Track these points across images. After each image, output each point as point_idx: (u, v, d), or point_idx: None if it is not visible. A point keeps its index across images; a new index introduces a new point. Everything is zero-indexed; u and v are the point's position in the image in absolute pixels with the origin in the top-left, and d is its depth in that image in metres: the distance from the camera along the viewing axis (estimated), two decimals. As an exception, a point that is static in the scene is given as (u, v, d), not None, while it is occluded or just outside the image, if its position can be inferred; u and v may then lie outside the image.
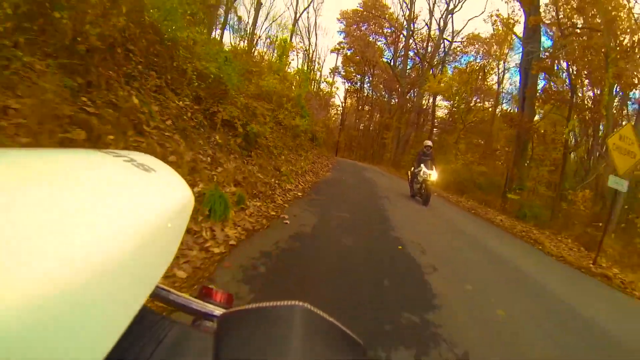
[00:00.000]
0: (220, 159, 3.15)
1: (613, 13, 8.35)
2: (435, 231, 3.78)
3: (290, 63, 9.17)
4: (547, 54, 10.09)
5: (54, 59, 1.99)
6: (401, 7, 23.88)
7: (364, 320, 1.46)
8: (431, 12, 18.81)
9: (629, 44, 8.74)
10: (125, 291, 0.23)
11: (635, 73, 8.02)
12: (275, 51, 10.43)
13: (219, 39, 10.63)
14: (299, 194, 4.14)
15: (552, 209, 8.94)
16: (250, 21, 15.86)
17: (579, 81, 9.37)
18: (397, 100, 24.70)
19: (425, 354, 1.31)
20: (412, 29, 21.88)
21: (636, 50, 8.43)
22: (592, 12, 9.53)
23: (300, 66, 17.12)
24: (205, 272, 1.56)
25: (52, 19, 1.98)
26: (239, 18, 15.53)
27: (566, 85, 10.36)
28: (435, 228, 3.98)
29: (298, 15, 23.21)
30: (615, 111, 9.57)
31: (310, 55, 25.89)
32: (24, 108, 1.63)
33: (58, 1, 1.99)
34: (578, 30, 9.84)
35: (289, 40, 10.85)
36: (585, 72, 9.17)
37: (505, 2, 11.78)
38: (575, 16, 10.15)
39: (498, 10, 26.66)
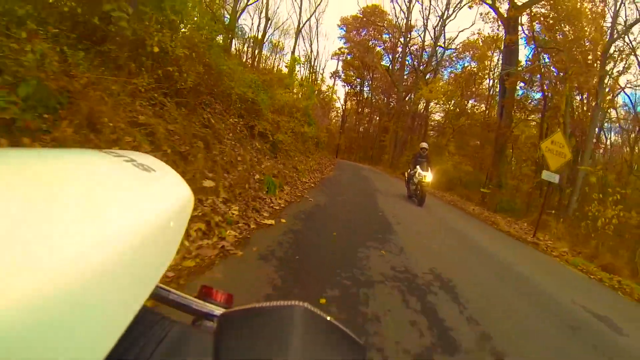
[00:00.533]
0: (260, 159, 4.63)
1: (572, 36, 9.87)
2: (411, 213, 5.24)
3: (297, 76, 10.68)
4: (521, 67, 11.60)
5: (170, 98, 3.47)
6: (397, 18, 25.15)
7: (356, 235, 2.91)
8: (425, 25, 20.28)
9: (589, 60, 10.27)
10: (125, 291, 0.23)
11: (591, 85, 9.51)
12: (285, 65, 11.86)
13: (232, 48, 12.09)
14: (312, 185, 5.62)
15: (527, 202, 10.42)
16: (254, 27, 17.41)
17: (548, 92, 10.88)
18: (395, 103, 26.20)
19: (383, 244, 2.77)
20: (408, 37, 23.39)
21: (595, 65, 9.96)
22: (559, 32, 11.09)
23: (303, 74, 18.67)
24: (275, 215, 3.02)
25: (168, 72, 3.43)
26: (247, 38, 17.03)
27: (540, 95, 11.89)
28: (411, 211, 5.44)
29: (301, 25, 24.79)
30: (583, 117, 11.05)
31: (312, 63, 27.30)
32: (177, 129, 3.10)
33: (170, 61, 3.42)
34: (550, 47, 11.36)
35: (293, 50, 12.35)
36: (553, 84, 10.68)
37: (485, 22, 13.25)
38: (546, 35, 11.70)
39: (480, 29, 28.31)
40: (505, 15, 12.60)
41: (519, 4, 12.16)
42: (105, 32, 2.83)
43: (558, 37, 10.53)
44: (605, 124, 14.92)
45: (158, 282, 0.29)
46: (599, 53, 9.91)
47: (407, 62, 24.26)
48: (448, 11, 19.85)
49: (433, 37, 20.66)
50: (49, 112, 1.99)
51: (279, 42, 25.80)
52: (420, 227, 4.05)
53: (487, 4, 13.37)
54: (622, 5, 10.04)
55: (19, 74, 1.90)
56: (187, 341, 0.30)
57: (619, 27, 9.21)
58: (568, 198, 8.41)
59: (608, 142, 15.63)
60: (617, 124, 14.70)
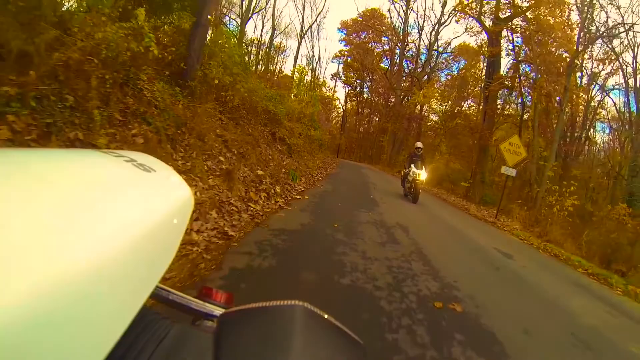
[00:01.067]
0: (282, 158, 6.21)
1: (544, 50, 11.44)
2: (395, 197, 6.81)
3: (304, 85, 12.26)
4: (501, 77, 13.18)
5: (224, 115, 5.04)
6: (394, 23, 26.69)
7: (353, 205, 4.48)
8: (420, 33, 21.83)
9: (558, 70, 11.84)
10: (125, 291, 0.23)
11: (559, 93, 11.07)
12: (291, 72, 13.44)
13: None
14: (320, 178, 7.20)
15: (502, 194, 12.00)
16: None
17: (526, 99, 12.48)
18: (393, 105, 27.74)
19: (370, 210, 4.34)
20: (405, 43, 24.92)
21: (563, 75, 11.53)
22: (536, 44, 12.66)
23: (307, 80, 20.25)
24: (300, 194, 4.59)
25: (221, 96, 4.98)
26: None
27: (519, 102, 13.50)
28: (395, 196, 7.00)
29: (304, 32, 26.43)
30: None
31: (315, 67, 28.86)
32: (235, 137, 4.68)
33: (222, 88, 4.99)
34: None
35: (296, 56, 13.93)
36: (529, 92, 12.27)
37: (470, 35, 14.80)
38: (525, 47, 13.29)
39: (466, 41, 30.08)
40: (489, 27, 14.18)
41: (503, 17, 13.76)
42: (183, 70, 4.38)
43: (536, 48, 12.10)
44: (599, 124, 16.56)
45: (158, 282, 0.29)
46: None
47: (404, 66, 25.88)
48: (443, 18, 21.51)
49: (428, 43, 22.29)
50: (179, 128, 3.56)
51: (280, 44, 27.53)
52: (399, 207, 5.63)
53: (473, 17, 14.95)
54: (588, 21, 11.65)
55: (160, 106, 3.46)
56: (187, 341, 0.30)
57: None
58: (503, 187, 9.95)
59: (602, 141, 17.24)
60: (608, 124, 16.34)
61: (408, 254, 2.84)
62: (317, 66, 31.18)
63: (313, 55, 31.03)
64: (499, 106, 14.53)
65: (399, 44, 26.07)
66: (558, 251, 5.37)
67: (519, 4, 13.58)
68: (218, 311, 0.40)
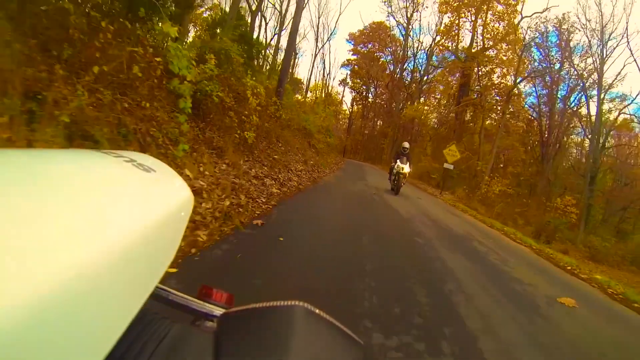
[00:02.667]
0: (315, 157, 11.32)
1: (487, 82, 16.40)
2: (380, 181, 11.85)
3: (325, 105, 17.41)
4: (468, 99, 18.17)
5: (289, 132, 10.17)
6: (392, 44, 31.64)
7: (355, 180, 9.55)
8: (415, 55, 26.82)
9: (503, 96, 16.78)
10: (125, 291, 0.23)
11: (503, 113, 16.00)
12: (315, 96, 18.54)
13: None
14: (335, 169, 12.33)
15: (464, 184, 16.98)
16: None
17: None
18: (392, 113, 32.59)
19: (364, 181, 9.42)
20: (405, 61, 29.80)
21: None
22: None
23: (321, 94, 25.37)
24: (328, 175, 9.68)
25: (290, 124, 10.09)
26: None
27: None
28: (381, 181, 12.01)
29: (317, 50, 31.56)
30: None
31: (326, 81, 33.98)
32: (302, 146, 9.83)
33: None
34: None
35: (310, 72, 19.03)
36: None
37: (445, 68, 19.94)
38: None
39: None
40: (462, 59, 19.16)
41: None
42: (274, 113, 9.41)
43: (483, 81, 17.05)
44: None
45: (158, 282, 0.29)
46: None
47: (404, 77, 30.75)
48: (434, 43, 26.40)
49: (426, 58, 27.17)
50: (277, 139, 8.65)
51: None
52: (379, 183, 10.69)
53: (450, 51, 19.94)
54: (525, 57, 16.59)
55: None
56: (187, 341, 0.30)
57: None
58: (443, 176, 14.89)
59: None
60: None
61: (371, 187, 7.91)
62: (328, 77, 36.17)
63: (324, 67, 36.13)
64: (469, 118, 19.51)
65: (400, 53, 30.73)
66: (462, 207, 10.35)
67: (486, 44, 18.60)
68: (218, 311, 0.41)
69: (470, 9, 18.40)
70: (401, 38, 30.60)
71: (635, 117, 17.59)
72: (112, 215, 0.24)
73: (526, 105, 18.26)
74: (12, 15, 2.24)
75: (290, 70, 27.01)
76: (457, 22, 19.30)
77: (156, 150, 2.78)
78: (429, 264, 3.07)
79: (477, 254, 4.12)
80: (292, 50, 9.49)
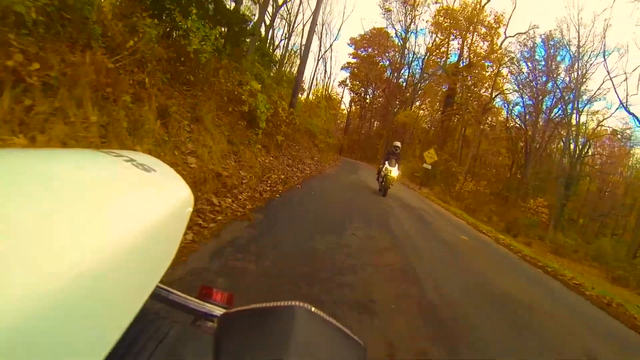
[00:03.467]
0: (319, 154, 14.11)
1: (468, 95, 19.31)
2: (370, 177, 14.66)
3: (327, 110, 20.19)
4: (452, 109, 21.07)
5: (298, 134, 12.97)
6: (391, 49, 34.33)
7: (350, 173, 12.37)
8: (409, 64, 29.64)
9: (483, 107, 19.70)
10: (126, 291, 0.23)
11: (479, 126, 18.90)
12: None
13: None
14: (334, 165, 15.16)
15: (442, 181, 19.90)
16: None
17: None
18: (387, 116, 35.38)
19: (357, 175, 12.25)
20: (402, 66, 32.56)
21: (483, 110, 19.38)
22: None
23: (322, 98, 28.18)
24: (329, 168, 12.48)
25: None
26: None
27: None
28: (370, 177, 14.81)
29: (321, 54, 34.21)
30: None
31: (327, 85, 36.64)
32: (307, 145, 12.63)
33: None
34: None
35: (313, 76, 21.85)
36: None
37: (434, 81, 22.86)
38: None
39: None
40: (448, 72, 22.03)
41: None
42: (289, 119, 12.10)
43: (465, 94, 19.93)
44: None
45: (158, 282, 0.29)
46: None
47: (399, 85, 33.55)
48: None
49: (421, 67, 29.98)
50: (290, 140, 11.41)
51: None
52: (368, 177, 13.49)
53: (443, 69, 22.76)
54: (508, 72, 19.48)
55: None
56: (187, 341, 0.31)
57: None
58: (425, 175, 17.80)
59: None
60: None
61: (361, 180, 10.72)
62: (329, 80, 38.78)
63: (326, 71, 38.81)
64: (455, 124, 22.41)
65: (397, 65, 33.51)
66: (433, 198, 13.21)
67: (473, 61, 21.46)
68: (218, 311, 0.41)
69: (458, 30, 21.25)
70: (400, 44, 33.22)
71: (616, 130, 20.34)
72: (113, 215, 0.24)
73: (515, 114, 21.08)
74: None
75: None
76: (445, 40, 22.16)
77: (246, 147, 5.52)
78: (386, 212, 5.88)
79: (421, 216, 6.95)
80: (303, 69, 12.13)
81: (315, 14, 11.91)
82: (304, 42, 13.34)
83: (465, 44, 21.37)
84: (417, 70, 29.67)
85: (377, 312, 2.04)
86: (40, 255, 0.17)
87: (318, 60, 34.06)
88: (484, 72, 20.45)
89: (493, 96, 19.09)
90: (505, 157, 21.79)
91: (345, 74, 40.93)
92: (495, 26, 20.74)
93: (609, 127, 20.59)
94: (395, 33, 31.74)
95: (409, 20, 30.04)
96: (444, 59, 22.36)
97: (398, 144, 8.75)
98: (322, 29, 41.69)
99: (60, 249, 0.18)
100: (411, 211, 7.29)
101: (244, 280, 1.92)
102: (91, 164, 0.30)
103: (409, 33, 30.66)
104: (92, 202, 0.23)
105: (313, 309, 0.28)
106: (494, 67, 20.43)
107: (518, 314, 2.97)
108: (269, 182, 4.85)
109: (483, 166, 22.10)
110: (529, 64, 20.56)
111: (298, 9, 21.96)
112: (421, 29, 28.44)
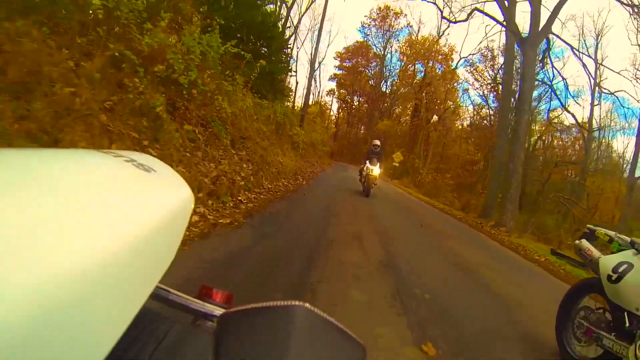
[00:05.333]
0: (320, 160, 20.37)
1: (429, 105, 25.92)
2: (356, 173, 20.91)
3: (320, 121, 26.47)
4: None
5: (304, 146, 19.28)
6: (374, 59, 40.82)
7: (341, 171, 18.65)
8: (386, 81, 36.25)
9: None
10: (125, 291, 0.24)
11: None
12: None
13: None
14: (329, 167, 21.51)
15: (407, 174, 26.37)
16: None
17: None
18: (373, 120, 41.81)
19: (345, 173, 18.56)
20: (382, 78, 39.13)
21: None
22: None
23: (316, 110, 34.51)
24: (327, 168, 18.71)
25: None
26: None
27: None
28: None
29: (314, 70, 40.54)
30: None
31: (317, 95, 42.73)
32: (310, 153, 18.92)
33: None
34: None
35: (308, 91, 28.20)
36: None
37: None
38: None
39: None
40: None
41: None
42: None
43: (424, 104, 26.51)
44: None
45: (158, 282, 0.30)
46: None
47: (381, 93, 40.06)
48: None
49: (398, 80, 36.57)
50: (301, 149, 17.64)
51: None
52: (355, 173, 19.77)
53: (408, 84, 29.36)
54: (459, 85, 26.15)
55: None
56: (187, 341, 0.31)
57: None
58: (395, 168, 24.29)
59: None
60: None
61: (349, 174, 17.01)
62: (318, 94, 44.91)
63: (316, 85, 45.09)
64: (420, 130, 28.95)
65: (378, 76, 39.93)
66: (398, 185, 19.54)
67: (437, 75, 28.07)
68: (218, 311, 0.42)
69: (419, 58, 27.93)
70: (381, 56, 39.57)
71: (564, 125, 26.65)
72: (112, 215, 0.25)
73: (490, 111, 27.25)
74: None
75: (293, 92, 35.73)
76: (411, 65, 28.82)
77: (297, 157, 11.69)
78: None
79: (387, 193, 13.24)
80: (307, 102, 18.37)
81: (312, 63, 18.18)
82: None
83: (427, 67, 28.07)
84: (395, 82, 36.35)
85: (346, 193, 8.22)
86: (40, 255, 0.17)
87: (310, 78, 40.49)
88: (441, 89, 27.10)
89: (450, 107, 25.63)
90: (474, 153, 28.22)
91: (332, 84, 46.18)
92: (449, 53, 27.50)
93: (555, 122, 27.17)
94: (376, 48, 38.30)
95: (384, 42, 36.81)
96: (411, 80, 29.02)
97: (377, 142, 9.20)
98: (312, 52, 47.83)
99: (59, 249, 0.19)
100: (379, 190, 13.57)
101: (317, 189, 8.15)
102: (91, 164, 0.30)
103: (387, 50, 37.35)
104: (92, 202, 0.24)
105: (313, 308, 0.29)
106: (449, 85, 27.10)
107: (409, 211, 9.21)
108: (310, 171, 11.04)
109: (452, 162, 28.47)
110: (490, 72, 27.15)
111: (294, 44, 28.32)
112: (396, 50, 34.84)
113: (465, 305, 2.97)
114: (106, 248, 0.22)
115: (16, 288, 0.16)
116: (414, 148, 27.12)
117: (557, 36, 15.82)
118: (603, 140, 24.15)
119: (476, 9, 13.94)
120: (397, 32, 33.38)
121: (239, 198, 4.44)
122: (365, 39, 37.78)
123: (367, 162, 8.14)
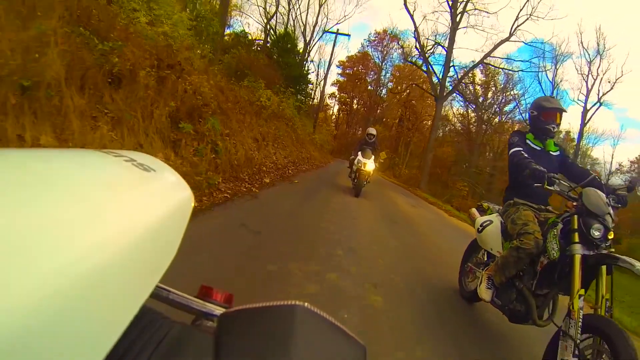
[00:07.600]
0: (325, 156, 28.11)
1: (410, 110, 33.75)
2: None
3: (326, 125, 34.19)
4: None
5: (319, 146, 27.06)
6: (374, 68, 48.28)
7: (338, 166, 26.42)
8: (384, 86, 43.91)
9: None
10: (125, 291, 0.24)
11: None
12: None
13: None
14: (333, 162, 29.29)
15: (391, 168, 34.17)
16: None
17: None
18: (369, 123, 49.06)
19: (339, 168, 26.38)
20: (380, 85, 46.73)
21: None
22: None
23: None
24: (329, 164, 26.51)
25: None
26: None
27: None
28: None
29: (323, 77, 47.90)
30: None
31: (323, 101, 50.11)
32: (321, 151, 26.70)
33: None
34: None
35: (322, 94, 35.97)
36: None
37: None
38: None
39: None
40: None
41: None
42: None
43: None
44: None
45: (158, 282, 0.30)
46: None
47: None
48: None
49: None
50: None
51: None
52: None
53: (398, 101, 37.16)
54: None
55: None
56: (187, 341, 0.31)
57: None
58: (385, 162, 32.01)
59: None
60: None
61: (346, 166, 24.77)
62: (321, 100, 51.91)
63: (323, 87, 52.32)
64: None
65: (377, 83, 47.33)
66: (382, 176, 27.30)
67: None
68: (218, 311, 0.42)
69: (405, 80, 35.68)
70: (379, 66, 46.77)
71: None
72: (112, 215, 0.25)
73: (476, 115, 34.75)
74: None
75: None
76: (400, 84, 36.58)
77: (317, 151, 19.42)
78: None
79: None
80: (318, 112, 26.01)
81: (322, 93, 25.78)
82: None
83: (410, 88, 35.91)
84: (388, 91, 43.82)
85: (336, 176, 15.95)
86: (40, 255, 0.18)
87: (316, 86, 47.97)
88: (419, 106, 34.87)
89: (426, 119, 33.37)
90: (452, 154, 35.94)
91: (334, 89, 51.67)
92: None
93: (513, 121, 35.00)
94: (376, 59, 45.65)
95: (383, 54, 44.36)
96: (398, 97, 36.81)
97: (373, 131, 7.99)
98: (318, 63, 54.52)
99: (59, 249, 0.19)
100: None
101: (331, 167, 16.07)
102: (91, 164, 0.30)
103: (384, 62, 44.78)
104: (92, 202, 0.24)
105: (313, 308, 0.29)
106: (426, 102, 34.83)
107: (382, 185, 17.02)
108: (324, 161, 18.75)
109: (435, 161, 36.14)
110: (470, 87, 34.66)
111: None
112: (391, 64, 42.33)
113: (392, 210, 10.67)
114: (106, 248, 0.22)
115: (16, 288, 0.16)
116: (397, 149, 34.93)
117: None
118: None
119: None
120: (392, 52, 40.95)
121: (302, 167, 12.28)
122: (367, 49, 45.02)
123: (360, 153, 7.19)
